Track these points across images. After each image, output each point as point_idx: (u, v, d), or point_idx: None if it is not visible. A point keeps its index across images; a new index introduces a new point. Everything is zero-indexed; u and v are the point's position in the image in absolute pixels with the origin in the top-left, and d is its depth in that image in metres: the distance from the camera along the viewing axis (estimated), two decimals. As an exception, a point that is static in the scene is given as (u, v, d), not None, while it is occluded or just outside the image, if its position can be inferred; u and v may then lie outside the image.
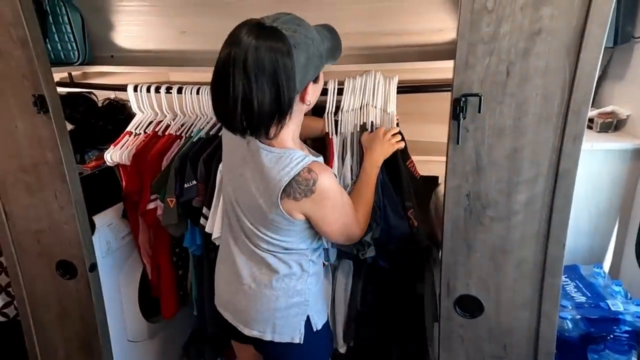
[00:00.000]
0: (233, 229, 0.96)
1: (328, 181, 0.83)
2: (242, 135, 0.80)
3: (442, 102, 1.10)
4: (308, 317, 0.95)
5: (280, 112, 0.77)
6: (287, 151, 0.82)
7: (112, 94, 1.64)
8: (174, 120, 1.30)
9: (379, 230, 1.06)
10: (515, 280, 0.86)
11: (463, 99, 0.78)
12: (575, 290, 1.07)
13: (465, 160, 0.83)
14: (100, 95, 1.64)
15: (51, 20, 1.24)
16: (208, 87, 0.94)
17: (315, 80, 0.85)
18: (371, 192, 1.01)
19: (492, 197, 0.83)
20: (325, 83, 1.14)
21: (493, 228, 0.84)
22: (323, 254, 1.04)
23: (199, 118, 1.25)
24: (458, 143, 0.81)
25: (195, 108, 1.24)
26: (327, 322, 1.02)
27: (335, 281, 1.25)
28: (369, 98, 1.12)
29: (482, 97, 0.77)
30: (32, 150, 1.00)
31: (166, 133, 1.27)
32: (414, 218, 1.09)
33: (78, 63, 1.32)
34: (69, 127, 1.49)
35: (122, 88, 1.29)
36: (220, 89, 0.76)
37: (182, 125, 1.28)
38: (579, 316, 0.99)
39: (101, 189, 1.39)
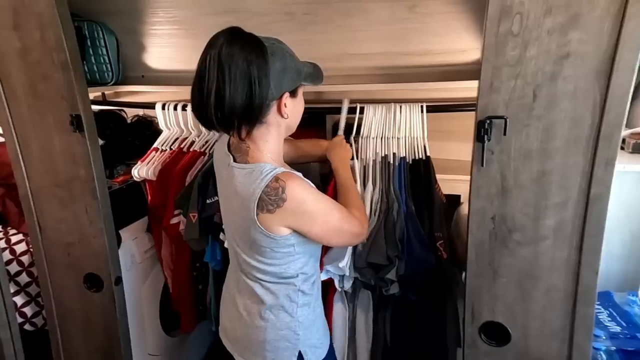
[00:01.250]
0: (232, 257, 0.96)
1: (298, 187, 0.79)
2: (215, 129, 0.80)
3: (464, 120, 1.09)
4: (300, 352, 0.90)
5: (250, 109, 0.76)
6: (257, 165, 0.81)
7: (140, 111, 1.70)
8: (198, 137, 1.33)
9: (404, 266, 1.01)
10: (545, 307, 0.83)
11: (488, 121, 0.77)
12: (609, 319, 1.02)
13: (490, 183, 0.81)
14: (130, 113, 1.71)
15: (89, 44, 1.32)
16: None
17: (293, 94, 0.85)
18: (354, 187, 1.02)
19: (519, 221, 0.81)
20: (352, 106, 1.17)
21: (520, 253, 0.82)
22: (318, 282, 0.97)
23: (222, 135, 1.28)
24: (482, 165, 0.80)
25: (219, 126, 1.26)
26: (330, 357, 0.97)
27: (355, 311, 1.19)
28: (393, 130, 1.14)
29: (508, 120, 0.76)
30: (66, 167, 1.05)
31: (191, 150, 1.31)
32: (443, 250, 1.04)
33: (112, 83, 1.39)
34: (100, 142, 1.56)
35: (151, 106, 1.34)
36: (196, 83, 0.77)
37: (206, 142, 1.31)
38: (614, 347, 0.94)
39: (128, 203, 1.43)
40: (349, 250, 1.03)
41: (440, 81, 1.23)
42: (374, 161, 1.13)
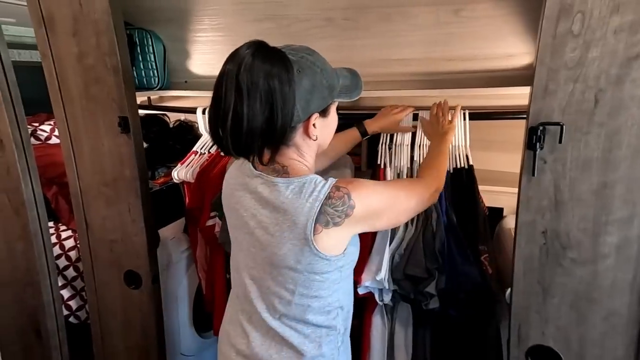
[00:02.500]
0: (250, 303, 0.80)
1: (361, 188, 0.72)
2: (230, 154, 0.72)
3: (507, 129, 1.04)
4: None
5: (272, 133, 0.69)
6: (306, 178, 0.72)
7: (182, 116, 1.76)
8: (236, 141, 1.35)
9: (444, 280, 0.96)
10: (604, 334, 0.75)
11: (541, 127, 0.72)
12: (677, 351, 0.91)
13: (541, 194, 0.76)
14: (173, 117, 1.77)
15: (138, 51, 1.39)
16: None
17: (324, 114, 0.76)
18: (445, 158, 0.95)
19: (575, 237, 0.74)
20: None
21: (575, 272, 0.75)
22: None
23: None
24: (533, 175, 0.75)
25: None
26: None
27: (394, 326, 1.14)
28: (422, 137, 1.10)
29: (564, 127, 0.70)
30: (112, 166, 1.10)
31: (229, 154, 1.33)
32: (487, 264, 0.99)
33: (157, 88, 1.45)
34: (144, 145, 1.63)
35: (192, 111, 1.38)
36: (212, 104, 0.70)
37: (243, 147, 1.33)
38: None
39: (167, 203, 1.48)
40: (386, 261, 0.99)
41: (485, 87, 1.17)
42: (409, 169, 1.09)
